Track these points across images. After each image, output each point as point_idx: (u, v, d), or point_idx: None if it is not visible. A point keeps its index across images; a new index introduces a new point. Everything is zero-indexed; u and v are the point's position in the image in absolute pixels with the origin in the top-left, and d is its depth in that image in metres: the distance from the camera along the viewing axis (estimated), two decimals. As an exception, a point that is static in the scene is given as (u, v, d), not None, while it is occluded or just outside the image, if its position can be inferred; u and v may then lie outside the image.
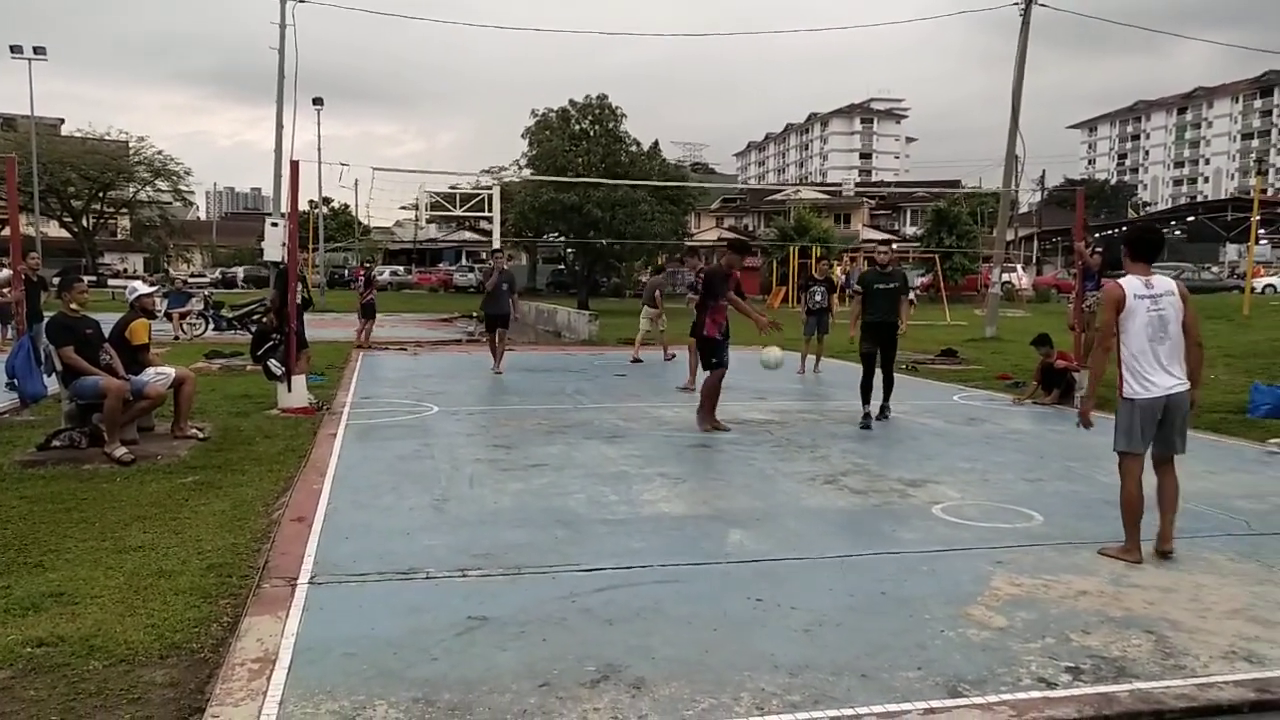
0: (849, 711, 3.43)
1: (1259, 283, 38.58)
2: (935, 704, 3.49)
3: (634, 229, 37.49)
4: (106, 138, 56.00)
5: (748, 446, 8.74)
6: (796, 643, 4.07)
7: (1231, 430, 9.78)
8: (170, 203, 61.86)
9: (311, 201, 50.93)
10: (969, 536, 5.79)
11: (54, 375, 8.37)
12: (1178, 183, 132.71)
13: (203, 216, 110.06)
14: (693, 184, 51.55)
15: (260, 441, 8.64)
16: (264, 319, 17.52)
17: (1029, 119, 23.17)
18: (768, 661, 3.85)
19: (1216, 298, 32.85)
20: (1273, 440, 9.03)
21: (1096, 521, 6.18)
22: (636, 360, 16.51)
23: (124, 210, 61.98)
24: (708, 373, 9.77)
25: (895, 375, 10.73)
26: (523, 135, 40.04)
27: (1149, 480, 5.42)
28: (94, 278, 41.40)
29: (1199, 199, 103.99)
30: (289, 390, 10.50)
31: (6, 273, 13.12)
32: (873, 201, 77.54)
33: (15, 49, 38.14)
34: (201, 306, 23.71)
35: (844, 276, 43.44)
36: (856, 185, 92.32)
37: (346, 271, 54.32)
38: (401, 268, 65.70)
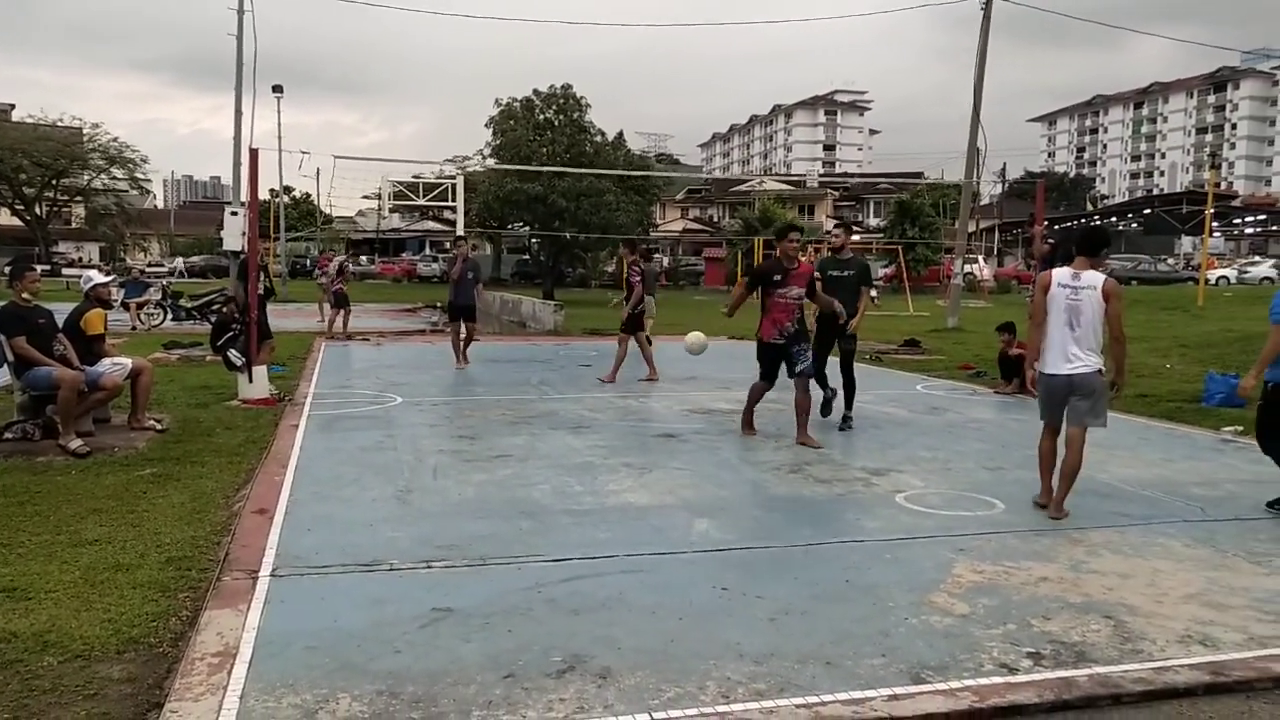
0: (814, 699, 3.44)
1: (1212, 274, 39.33)
2: (899, 690, 3.51)
3: (599, 219, 37.41)
4: (59, 124, 54.76)
5: (713, 436, 8.76)
6: (762, 631, 4.08)
7: (1187, 419, 9.97)
8: (126, 191, 60.63)
9: (272, 190, 50.27)
10: (931, 524, 5.84)
11: (5, 366, 8.18)
12: (1134, 176, 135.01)
13: (160, 205, 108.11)
14: (657, 173, 51.51)
15: (220, 433, 8.52)
16: (223, 309, 17.29)
17: (990, 112, 23.47)
18: (733, 650, 3.86)
19: (1172, 289, 33.48)
20: (1227, 428, 9.21)
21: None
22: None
23: (78, 198, 60.70)
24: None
25: (857, 369, 9.73)
26: (487, 125, 39.82)
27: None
28: (47, 267, 40.56)
29: (1155, 192, 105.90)
30: (250, 381, 10.35)
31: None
32: (836, 193, 78.02)
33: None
34: (159, 296, 23.29)
35: (808, 267, 43.78)
36: (820, 177, 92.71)
37: (309, 261, 53.69)
38: (365, 257, 65.00)
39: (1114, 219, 61.02)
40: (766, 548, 5.35)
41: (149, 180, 61.90)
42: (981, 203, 60.08)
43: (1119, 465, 7.53)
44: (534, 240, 43.24)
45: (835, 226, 10.02)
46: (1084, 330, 6.00)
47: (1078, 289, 6.02)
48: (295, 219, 60.96)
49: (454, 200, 24.46)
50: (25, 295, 7.93)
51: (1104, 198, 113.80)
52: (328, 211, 65.95)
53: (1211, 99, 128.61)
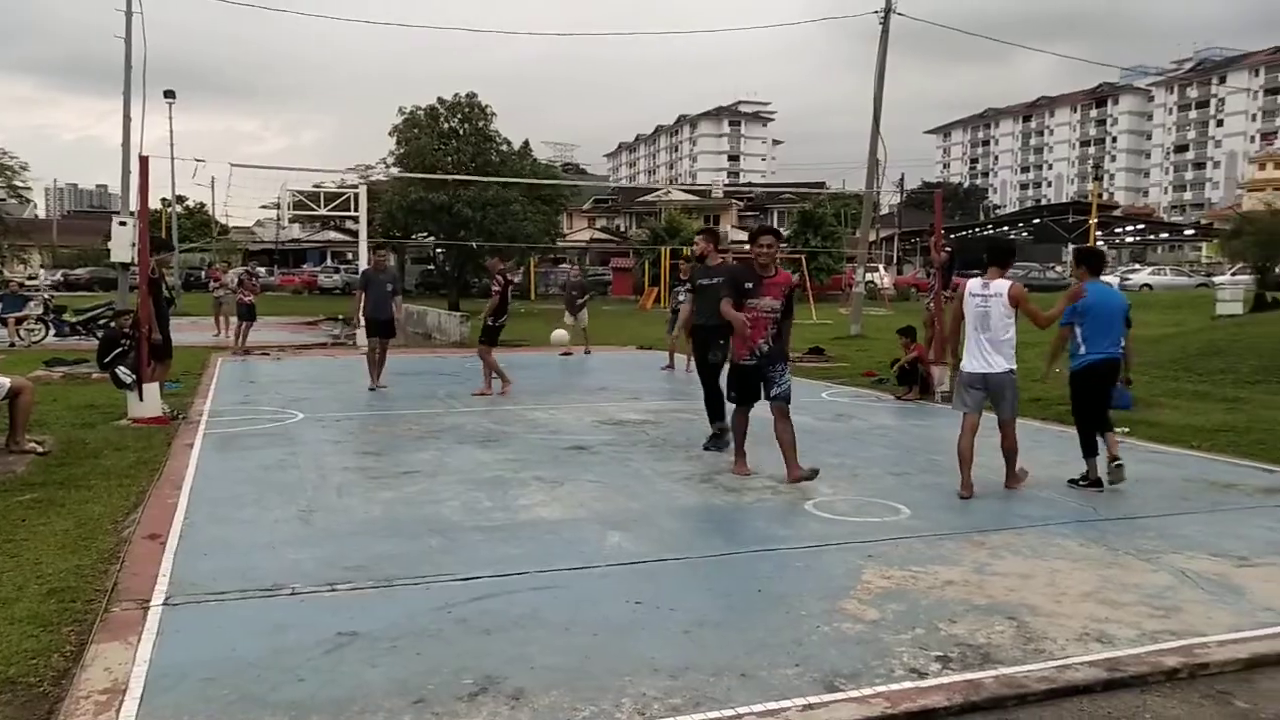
0: (729, 712, 3.43)
1: (1097, 281, 41.07)
2: (813, 699, 3.53)
3: (505, 229, 37.06)
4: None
5: (624, 448, 8.73)
6: (677, 644, 4.06)
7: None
8: (4, 199, 57.66)
9: (164, 200, 48.49)
10: (841, 531, 5.92)
11: None
12: (1024, 186, 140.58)
13: (42, 214, 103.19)
14: (565, 182, 51.42)
15: (109, 454, 8.12)
16: (112, 323, 16.54)
17: (888, 124, 24.05)
18: (648, 665, 3.83)
19: (1059, 295, 34.82)
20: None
21: (959, 513, 6.44)
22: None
23: (-50, 208, 57.38)
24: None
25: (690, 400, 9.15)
26: (390, 133, 39.05)
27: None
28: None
29: (1043, 202, 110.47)
30: (141, 399, 9.90)
31: None
32: (741, 203, 79.04)
33: None
34: (41, 310, 22.18)
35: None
36: (725, 187, 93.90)
37: (203, 273, 51.88)
38: (262, 269, 63.14)
39: (1005, 228, 63.31)
40: (679, 559, 5.34)
41: (29, 189, 58.93)
42: (881, 212, 61.68)
43: (1017, 468, 7.76)
44: (439, 250, 42.63)
45: (699, 234, 9.28)
46: (994, 333, 6.77)
47: (986, 296, 6.82)
48: (189, 229, 58.91)
49: (357, 210, 23.90)
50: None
51: (996, 207, 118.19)
52: (223, 222, 63.94)
53: (1094, 113, 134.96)
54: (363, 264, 24.48)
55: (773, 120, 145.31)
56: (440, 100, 38.83)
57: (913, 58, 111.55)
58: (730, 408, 7.87)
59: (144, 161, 10.79)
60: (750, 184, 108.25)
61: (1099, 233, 50.07)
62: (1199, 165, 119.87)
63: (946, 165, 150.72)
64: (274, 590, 4.69)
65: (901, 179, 75.30)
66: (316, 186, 46.01)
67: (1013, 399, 6.94)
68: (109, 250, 13.86)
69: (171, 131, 43.03)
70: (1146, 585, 4.90)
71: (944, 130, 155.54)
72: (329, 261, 67.52)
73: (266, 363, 16.93)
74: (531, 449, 8.64)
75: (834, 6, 26.97)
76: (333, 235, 67.60)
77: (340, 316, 30.68)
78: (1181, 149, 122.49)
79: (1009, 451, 7.01)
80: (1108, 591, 4.79)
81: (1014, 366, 6.89)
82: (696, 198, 75.61)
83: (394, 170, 36.75)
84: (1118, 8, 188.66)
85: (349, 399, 12.33)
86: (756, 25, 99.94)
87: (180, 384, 12.65)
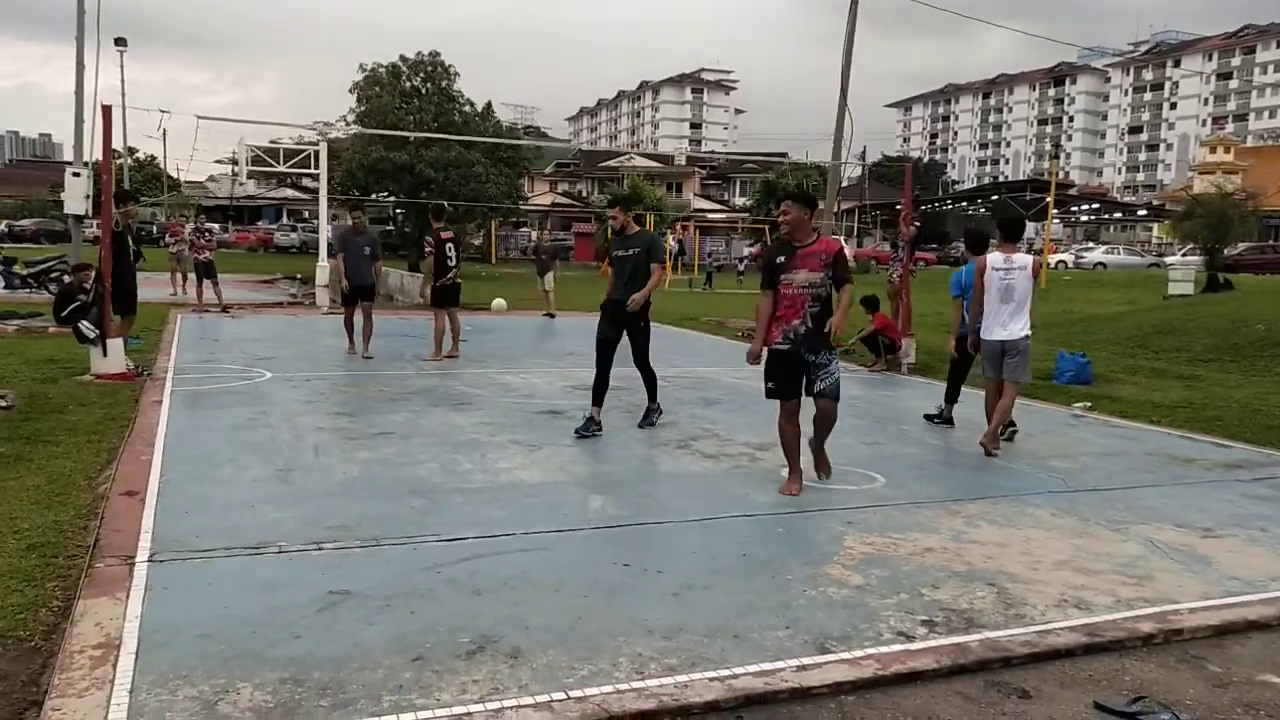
0: (725, 672, 3.49)
1: (1053, 259, 41.79)
2: (806, 661, 3.61)
3: (468, 190, 36.67)
4: None
5: (598, 412, 8.73)
6: (667, 606, 4.12)
7: (1041, 395, 10.56)
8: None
9: (115, 151, 47.19)
10: (818, 499, 6.01)
11: None
12: (982, 163, 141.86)
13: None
14: (527, 142, 50.87)
15: (74, 410, 7.97)
16: (65, 276, 16.13)
17: (851, 97, 24.01)
18: (641, 626, 3.88)
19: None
20: (1077, 405, 9.80)
21: (932, 481, 6.58)
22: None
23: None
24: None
25: (655, 368, 8.33)
26: (350, 90, 38.31)
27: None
28: None
29: (1001, 179, 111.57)
30: (104, 355, 9.70)
31: None
32: (703, 171, 78.89)
33: None
34: (-11, 262, 21.56)
35: (676, 245, 44.13)
36: (688, 155, 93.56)
37: (155, 228, 50.71)
38: (215, 225, 61.86)
39: (964, 204, 63.97)
40: (662, 523, 5.39)
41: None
42: (844, 184, 61.91)
43: (985, 439, 7.93)
44: (399, 211, 42.06)
45: (610, 205, 8.54)
46: (1017, 304, 7.47)
47: (1010, 270, 7.49)
48: (140, 183, 57.42)
49: (316, 168, 23.52)
50: None
51: (955, 182, 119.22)
52: (176, 175, 62.43)
53: (1052, 92, 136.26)
54: (322, 223, 24.14)
55: (735, 89, 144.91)
56: (403, 58, 38.20)
57: (875, 30, 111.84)
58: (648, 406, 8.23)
59: (107, 111, 10.47)
60: (713, 152, 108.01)
61: (1056, 210, 50.79)
62: (1152, 147, 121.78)
63: (907, 139, 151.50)
64: (260, 549, 4.66)
65: (863, 152, 75.56)
66: (274, 142, 45.08)
67: (1025, 363, 7.57)
68: (59, 202, 13.49)
69: (123, 81, 41.86)
70: (1118, 554, 5.04)
71: (905, 104, 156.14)
72: (285, 219, 66.38)
73: (227, 320, 16.65)
74: (506, 413, 8.62)
75: (805, -25, 26.82)
76: (289, 193, 66.45)
77: (298, 276, 30.23)
78: (1136, 130, 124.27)
79: (1003, 410, 7.49)
80: (1082, 560, 4.93)
81: (1029, 332, 7.59)
82: (659, 164, 75.30)
83: (355, 128, 36.07)
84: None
85: (315, 359, 12.20)
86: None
87: (141, 340, 12.41)
